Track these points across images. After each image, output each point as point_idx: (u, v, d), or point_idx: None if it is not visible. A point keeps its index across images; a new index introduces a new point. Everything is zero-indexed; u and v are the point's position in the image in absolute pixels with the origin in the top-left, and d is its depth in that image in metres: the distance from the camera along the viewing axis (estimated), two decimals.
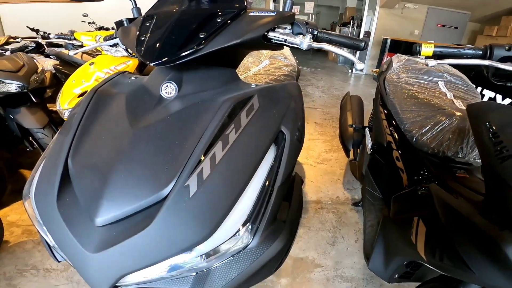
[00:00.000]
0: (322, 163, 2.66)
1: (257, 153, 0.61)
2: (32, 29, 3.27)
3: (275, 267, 0.72)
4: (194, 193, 0.54)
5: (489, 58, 0.72)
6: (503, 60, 0.71)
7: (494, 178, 0.64)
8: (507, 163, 0.59)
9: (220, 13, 0.67)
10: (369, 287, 1.46)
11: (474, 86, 1.82)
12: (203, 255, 0.58)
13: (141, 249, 0.52)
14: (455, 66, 1.57)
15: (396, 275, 1.12)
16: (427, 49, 0.74)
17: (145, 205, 0.54)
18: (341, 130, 2.10)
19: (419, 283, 1.01)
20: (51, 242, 0.60)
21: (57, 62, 2.65)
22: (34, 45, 3.04)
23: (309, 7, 6.40)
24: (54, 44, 3.19)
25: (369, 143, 1.53)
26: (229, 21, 0.66)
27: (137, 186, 0.55)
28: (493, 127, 0.67)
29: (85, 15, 3.74)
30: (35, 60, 2.34)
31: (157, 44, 0.63)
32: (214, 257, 0.60)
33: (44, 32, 2.99)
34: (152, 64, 0.62)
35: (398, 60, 1.70)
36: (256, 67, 1.69)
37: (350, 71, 7.55)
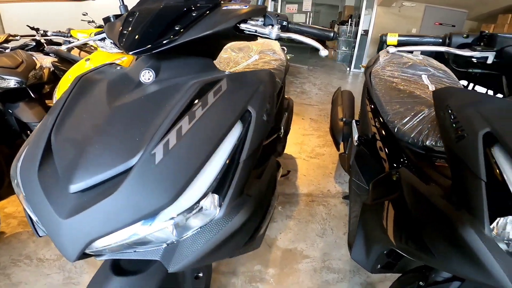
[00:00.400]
0: (315, 157, 2.65)
1: (222, 128, 0.64)
2: (32, 28, 3.27)
3: (244, 242, 0.74)
4: (159, 160, 0.57)
5: (448, 45, 0.73)
6: (461, 46, 0.72)
7: (453, 159, 0.64)
8: (462, 142, 0.59)
9: (195, 8, 0.72)
10: (356, 279, 1.46)
11: (467, 82, 1.80)
12: (173, 227, 0.60)
13: (108, 214, 0.54)
14: (441, 60, 1.55)
15: (379, 266, 1.11)
16: (392, 38, 0.77)
17: (115, 173, 0.56)
18: (332, 124, 2.09)
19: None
20: (33, 216, 0.62)
21: (56, 59, 2.66)
22: (34, 43, 3.06)
23: (307, 5, 6.37)
24: (53, 43, 3.21)
25: (355, 135, 1.52)
26: (204, 15, 0.71)
27: (109, 156, 0.58)
28: (452, 110, 0.66)
29: (85, 14, 3.74)
30: (34, 58, 2.36)
31: (136, 36, 0.68)
32: (182, 228, 0.62)
33: (44, 31, 3.00)
34: (130, 53, 0.66)
35: (385, 54, 1.70)
36: (245, 62, 1.69)
37: (348, 69, 7.51)
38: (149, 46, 0.65)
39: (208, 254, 0.64)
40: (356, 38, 7.52)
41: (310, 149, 2.80)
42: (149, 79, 0.71)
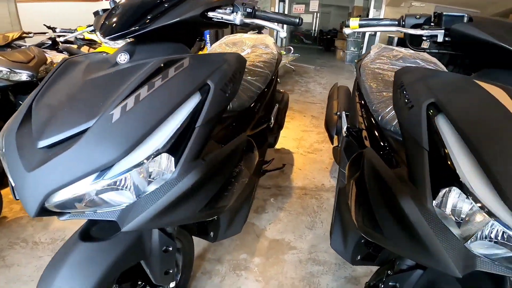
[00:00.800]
0: (312, 152, 2.61)
1: (179, 96, 0.68)
2: (49, 27, 3.37)
3: (200, 207, 0.76)
4: (116, 120, 0.62)
5: (402, 26, 0.75)
6: (414, 27, 0.73)
7: (404, 133, 0.62)
8: (409, 113, 0.57)
9: (168, 0, 0.79)
10: (341, 272, 1.42)
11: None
12: (132, 189, 0.65)
13: (66, 166, 0.58)
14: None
15: (359, 257, 1.08)
16: (354, 22, 0.78)
17: (77, 130, 0.62)
18: (326, 118, 2.06)
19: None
20: (8, 172, 0.65)
21: (67, 56, 2.74)
22: (50, 42, 3.20)
23: (314, 6, 6.31)
24: (68, 42, 3.33)
25: (344, 126, 1.48)
26: (175, 5, 0.77)
27: (74, 117, 0.64)
28: (404, 86, 0.65)
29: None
30: (46, 54, 2.44)
31: (113, 25, 0.76)
32: (138, 189, 0.66)
33: (54, 28, 3.10)
34: (107, 38, 0.76)
35: (376, 49, 1.68)
36: None
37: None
38: (123, 32, 0.74)
39: (160, 214, 0.66)
40: (364, 38, 7.39)
41: (308, 144, 2.76)
42: (124, 60, 0.77)
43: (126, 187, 0.65)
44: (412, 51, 1.60)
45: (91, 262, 0.72)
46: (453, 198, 0.49)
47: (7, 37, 2.41)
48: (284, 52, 5.20)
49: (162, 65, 0.72)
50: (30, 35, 2.74)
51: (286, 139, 2.81)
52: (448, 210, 0.50)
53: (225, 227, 1.13)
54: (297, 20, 0.83)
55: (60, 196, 0.61)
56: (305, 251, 1.53)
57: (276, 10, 7.03)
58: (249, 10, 0.81)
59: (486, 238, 0.48)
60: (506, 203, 0.43)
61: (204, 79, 0.72)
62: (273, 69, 1.65)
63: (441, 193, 0.50)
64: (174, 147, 0.67)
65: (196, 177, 0.69)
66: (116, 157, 0.59)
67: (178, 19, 0.74)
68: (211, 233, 1.15)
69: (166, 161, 0.67)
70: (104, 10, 1.02)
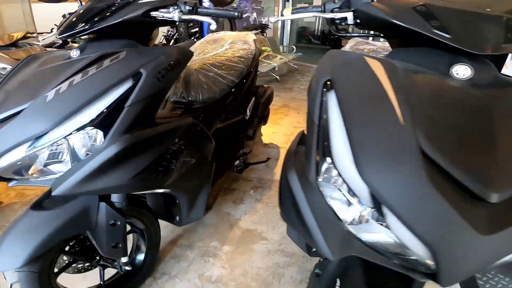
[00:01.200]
0: None
1: (110, 82, 0.77)
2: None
3: (127, 177, 0.82)
4: (49, 100, 0.74)
5: (324, 12, 0.75)
6: (333, 11, 0.73)
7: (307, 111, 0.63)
8: (311, 89, 0.57)
9: (117, 3, 0.88)
10: (307, 265, 1.41)
11: None
12: (67, 158, 0.77)
13: (5, 136, 0.72)
14: None
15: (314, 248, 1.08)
16: (288, 12, 0.81)
17: (19, 109, 0.75)
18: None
19: None
20: None
21: None
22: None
23: (317, 1, 6.25)
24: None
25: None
26: (120, 8, 0.86)
27: (20, 99, 0.77)
28: (318, 66, 0.65)
29: None
30: None
31: (66, 26, 0.87)
32: (74, 158, 0.77)
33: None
34: (58, 37, 0.90)
35: (352, 42, 1.66)
36: (215, 51, 1.72)
37: None
38: (72, 32, 0.85)
39: (88, 178, 0.75)
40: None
41: None
42: (75, 55, 0.89)
43: (63, 157, 0.76)
44: (387, 44, 1.59)
45: (35, 229, 0.79)
46: (326, 170, 0.49)
47: (12, 37, 2.54)
48: (284, 51, 5.19)
49: (99, 57, 0.83)
50: (33, 34, 2.88)
51: (276, 135, 2.83)
52: (329, 182, 0.49)
53: (186, 212, 1.17)
54: (236, 14, 0.89)
55: (3, 162, 0.74)
56: (275, 243, 1.55)
57: (280, 9, 7.02)
58: (189, 7, 0.87)
59: (362, 221, 0.47)
60: (356, 166, 0.44)
61: (137, 68, 0.81)
62: (249, 63, 1.67)
63: (321, 165, 0.50)
64: (105, 123, 0.77)
65: (121, 147, 0.77)
66: (45, 128, 0.72)
67: (121, 19, 0.84)
68: (177, 217, 1.20)
69: (96, 135, 0.78)
70: (71, 14, 1.13)
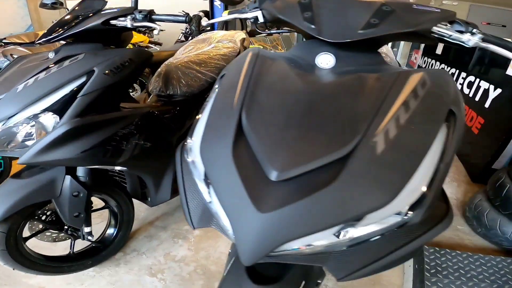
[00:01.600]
0: None
1: (66, 77, 0.93)
2: None
3: (77, 152, 0.96)
4: (19, 91, 0.92)
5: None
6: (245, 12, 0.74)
7: None
8: None
9: (83, 14, 1.04)
10: None
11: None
12: (35, 135, 0.91)
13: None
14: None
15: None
16: (225, 13, 0.84)
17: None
18: None
19: None
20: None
21: None
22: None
23: None
24: None
25: None
26: (85, 18, 1.02)
27: (0, 90, 0.95)
28: None
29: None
30: None
31: (45, 33, 1.04)
32: (39, 134, 0.92)
33: None
34: (36, 42, 1.08)
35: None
36: (200, 50, 1.82)
37: None
38: (46, 38, 1.01)
39: (44, 150, 0.89)
40: None
41: None
42: (51, 57, 1.04)
43: (32, 134, 0.92)
44: None
45: (8, 193, 0.97)
46: (191, 150, 0.53)
47: (37, 35, 2.81)
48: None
49: (62, 58, 0.99)
50: None
51: None
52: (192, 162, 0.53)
53: (154, 193, 1.30)
54: (183, 18, 0.98)
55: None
56: None
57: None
58: (142, 15, 0.99)
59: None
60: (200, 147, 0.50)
61: (91, 67, 0.95)
62: (231, 61, 1.75)
63: (188, 147, 0.55)
64: (61, 109, 0.92)
65: (70, 127, 0.91)
66: (14, 111, 0.89)
67: (83, 28, 0.98)
68: (149, 198, 1.33)
69: (55, 118, 0.92)
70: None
